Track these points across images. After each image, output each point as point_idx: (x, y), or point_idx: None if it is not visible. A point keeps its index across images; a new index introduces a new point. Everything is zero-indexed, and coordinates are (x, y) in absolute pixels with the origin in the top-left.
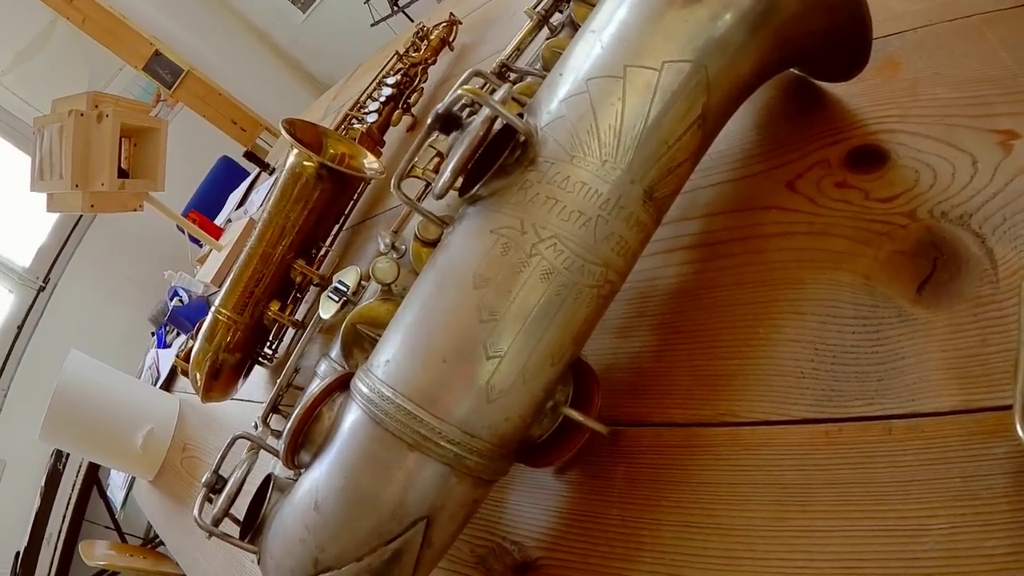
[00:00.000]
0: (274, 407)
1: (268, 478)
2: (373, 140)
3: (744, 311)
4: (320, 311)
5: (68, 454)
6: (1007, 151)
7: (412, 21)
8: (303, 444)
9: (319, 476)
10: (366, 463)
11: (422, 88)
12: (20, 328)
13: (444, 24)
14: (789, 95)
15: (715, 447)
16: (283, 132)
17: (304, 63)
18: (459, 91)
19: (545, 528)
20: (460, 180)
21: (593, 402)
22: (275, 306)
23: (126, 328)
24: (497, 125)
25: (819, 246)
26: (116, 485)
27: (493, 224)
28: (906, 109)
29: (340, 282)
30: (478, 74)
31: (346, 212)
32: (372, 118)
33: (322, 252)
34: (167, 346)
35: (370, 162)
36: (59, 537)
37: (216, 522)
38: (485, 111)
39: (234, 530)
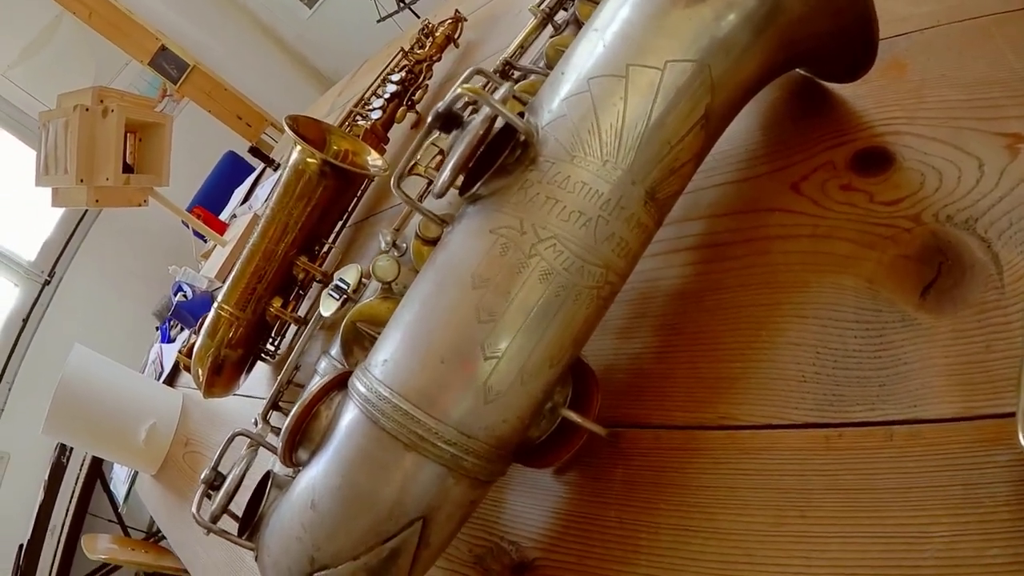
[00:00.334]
0: (274, 404)
1: (267, 475)
2: (377, 137)
3: (746, 313)
4: (320, 309)
5: (72, 448)
6: (1014, 155)
7: (418, 17)
8: (301, 442)
9: (316, 475)
10: (363, 462)
11: (427, 85)
12: (25, 322)
13: (449, 21)
14: (794, 96)
15: (714, 450)
16: (286, 129)
17: (310, 59)
18: (459, 90)
19: (543, 529)
20: (461, 179)
21: (592, 403)
22: (277, 303)
23: (131, 322)
24: (498, 124)
25: (823, 249)
26: (119, 479)
27: (493, 224)
28: (912, 111)
29: (341, 280)
30: (479, 72)
31: (349, 209)
32: (376, 115)
33: (325, 249)
34: (171, 341)
35: (374, 159)
36: (62, 530)
37: (214, 519)
38: (485, 110)
39: (233, 527)
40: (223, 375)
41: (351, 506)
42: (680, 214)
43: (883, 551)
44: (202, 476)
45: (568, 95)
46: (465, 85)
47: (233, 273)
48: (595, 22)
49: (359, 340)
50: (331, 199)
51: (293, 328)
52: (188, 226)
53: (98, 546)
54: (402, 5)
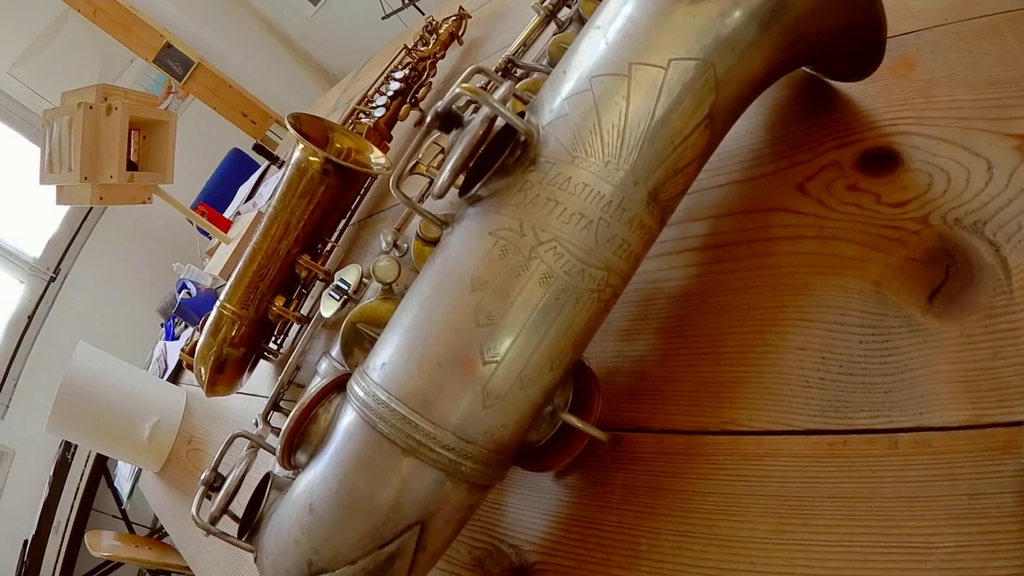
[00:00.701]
0: (275, 404)
1: (267, 476)
2: (380, 135)
3: (750, 316)
4: (321, 309)
5: (76, 444)
6: None
7: (423, 14)
8: (299, 445)
9: (314, 478)
10: (360, 467)
11: (430, 82)
12: (30, 319)
13: (453, 18)
14: (800, 94)
15: (716, 456)
16: (289, 127)
17: (315, 55)
18: (458, 89)
19: (543, 532)
20: (461, 179)
21: (593, 407)
22: (280, 301)
23: (136, 319)
24: (498, 124)
25: (829, 251)
26: (123, 476)
27: (492, 226)
28: (920, 110)
29: (341, 280)
30: (480, 71)
31: (352, 207)
32: (379, 113)
33: (328, 247)
34: (175, 338)
35: (376, 157)
36: (67, 526)
37: (213, 520)
38: (485, 110)
39: (233, 527)
40: (225, 374)
41: (348, 510)
42: (683, 214)
43: (886, 561)
44: (201, 477)
45: (569, 94)
46: (464, 85)
47: (235, 272)
48: (598, 19)
49: (359, 341)
50: (334, 197)
51: (296, 327)
52: (192, 223)
53: (102, 543)
54: (407, 2)
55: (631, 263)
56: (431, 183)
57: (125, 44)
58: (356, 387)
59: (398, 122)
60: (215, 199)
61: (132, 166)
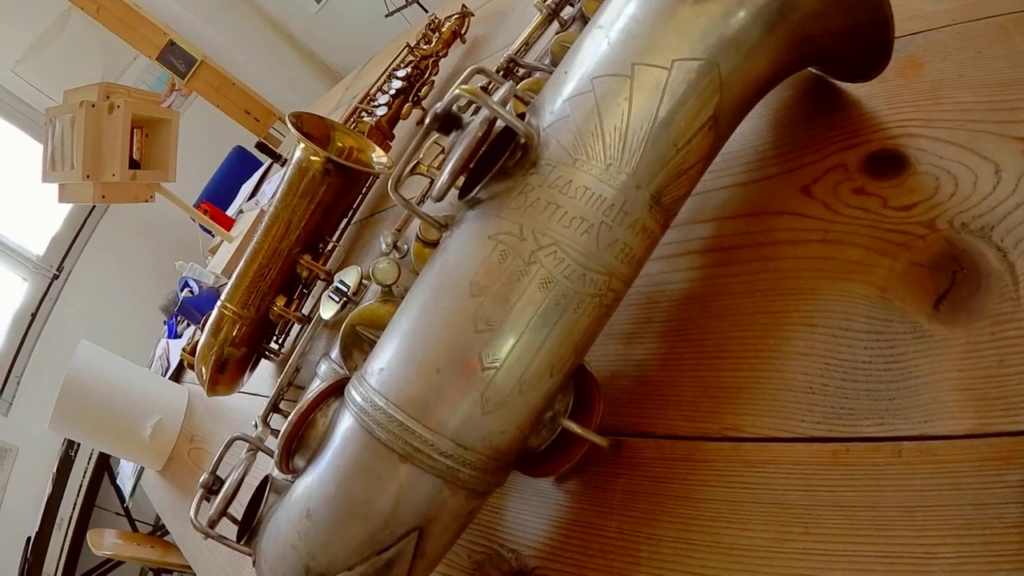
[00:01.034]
0: (275, 406)
1: (266, 479)
2: (382, 134)
3: (754, 321)
4: (321, 311)
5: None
6: None
7: (426, 12)
8: (297, 449)
9: (312, 483)
10: (358, 473)
11: (433, 81)
12: (34, 316)
13: (456, 16)
14: (806, 95)
15: (718, 462)
16: (290, 126)
17: (318, 53)
18: (457, 91)
19: (543, 537)
20: (461, 181)
21: (594, 412)
22: (281, 301)
23: (138, 317)
24: (498, 125)
25: (834, 255)
26: (125, 474)
27: (492, 230)
28: (927, 112)
29: (341, 282)
30: (480, 71)
31: (354, 206)
32: (382, 111)
33: (329, 247)
34: (178, 336)
35: (378, 156)
36: (70, 523)
37: (212, 523)
38: (485, 111)
39: (232, 530)
40: (227, 373)
41: (346, 516)
42: (687, 216)
43: (887, 571)
44: (200, 480)
45: (571, 95)
46: (464, 86)
47: (236, 272)
48: (600, 19)
49: (359, 343)
50: (335, 197)
51: (297, 326)
52: (195, 221)
53: (104, 541)
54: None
55: (633, 267)
56: (432, 183)
57: (128, 41)
58: (354, 392)
59: (400, 121)
60: (218, 197)
61: (134, 164)
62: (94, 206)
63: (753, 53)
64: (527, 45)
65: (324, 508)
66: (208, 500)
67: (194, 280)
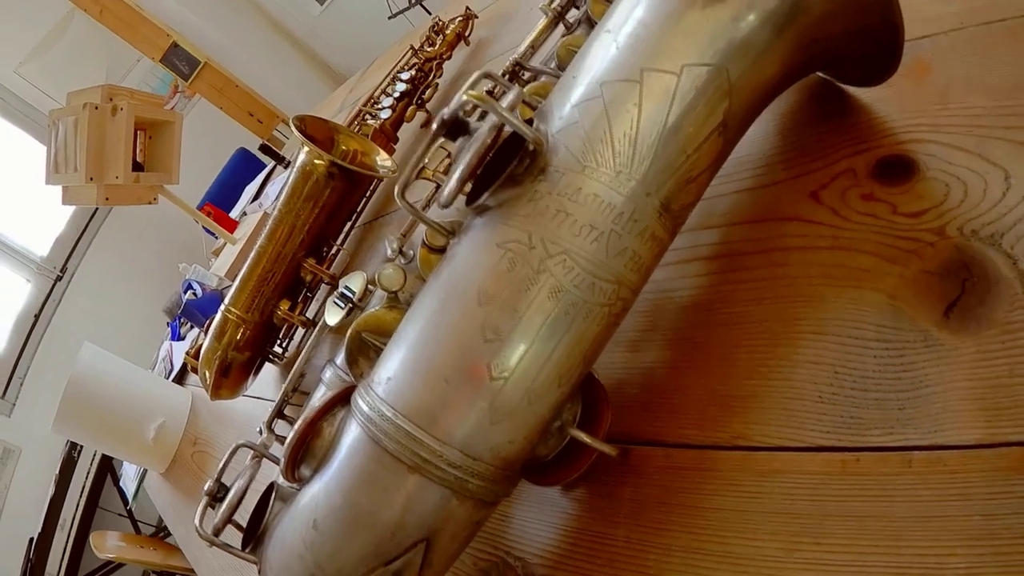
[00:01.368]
0: (279, 412)
1: (271, 486)
2: (386, 136)
3: (762, 328)
4: (326, 317)
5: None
6: None
7: (430, 14)
8: (303, 459)
9: (318, 493)
10: (364, 483)
11: (437, 83)
12: (37, 317)
13: (460, 18)
14: (814, 100)
15: (727, 471)
16: (294, 130)
17: (322, 55)
18: (464, 96)
19: (550, 545)
20: (469, 187)
21: (602, 421)
22: (285, 305)
23: (142, 318)
24: (506, 131)
25: (843, 262)
26: (129, 476)
27: (500, 237)
28: (936, 117)
29: (346, 287)
30: (487, 76)
31: (358, 210)
32: (386, 114)
33: (333, 251)
34: (181, 339)
35: (383, 159)
36: (73, 524)
37: (217, 531)
38: (493, 117)
39: (237, 537)
40: (230, 377)
41: (353, 527)
42: (695, 222)
43: None
44: (205, 488)
45: (579, 100)
46: (471, 91)
47: (240, 276)
48: (608, 23)
49: (364, 350)
50: (339, 200)
51: (301, 330)
52: (198, 223)
53: (106, 544)
54: (413, 1)
55: (642, 275)
56: (438, 188)
57: (131, 43)
58: (361, 401)
59: (404, 123)
60: (221, 199)
61: (138, 167)
62: (97, 208)
63: (762, 57)
64: (533, 48)
65: (331, 519)
66: (213, 508)
67: (197, 282)
